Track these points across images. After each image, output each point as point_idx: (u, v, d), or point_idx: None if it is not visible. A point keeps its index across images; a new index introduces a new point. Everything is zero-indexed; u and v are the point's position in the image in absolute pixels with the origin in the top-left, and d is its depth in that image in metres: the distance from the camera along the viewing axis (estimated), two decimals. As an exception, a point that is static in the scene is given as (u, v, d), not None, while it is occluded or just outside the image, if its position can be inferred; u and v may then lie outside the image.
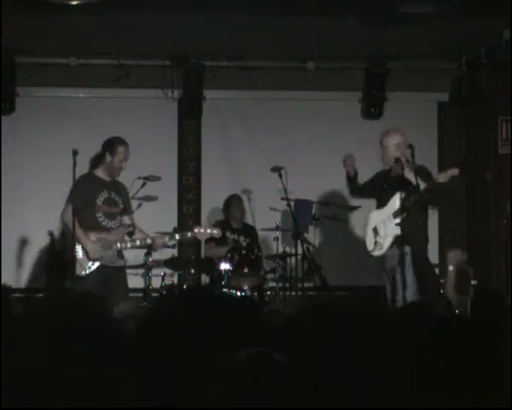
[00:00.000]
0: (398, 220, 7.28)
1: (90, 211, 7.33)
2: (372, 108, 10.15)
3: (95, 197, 7.34)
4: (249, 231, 9.36)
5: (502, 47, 8.85)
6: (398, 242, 7.27)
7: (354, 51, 9.64)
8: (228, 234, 9.25)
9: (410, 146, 7.33)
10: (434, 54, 9.63)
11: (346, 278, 9.68)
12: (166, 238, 7.58)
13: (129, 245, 7.41)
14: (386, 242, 7.43)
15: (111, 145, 7.44)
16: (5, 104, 9.55)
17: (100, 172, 7.45)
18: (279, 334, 2.83)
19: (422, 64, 9.96)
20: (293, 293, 9.09)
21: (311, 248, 8.89)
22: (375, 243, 7.48)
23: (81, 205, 7.30)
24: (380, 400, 2.62)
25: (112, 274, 7.34)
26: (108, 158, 7.41)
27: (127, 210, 7.51)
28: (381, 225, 7.48)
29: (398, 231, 7.27)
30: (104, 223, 7.37)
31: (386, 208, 7.47)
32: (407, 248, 7.25)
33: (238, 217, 9.40)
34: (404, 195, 7.31)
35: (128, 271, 8.43)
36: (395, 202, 7.39)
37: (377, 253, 7.48)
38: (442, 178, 7.44)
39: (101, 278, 7.22)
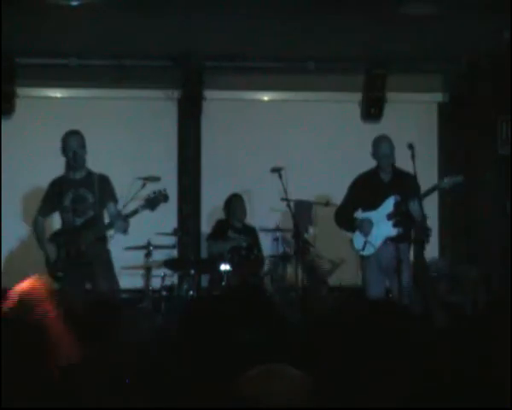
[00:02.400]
0: (392, 222, 7.50)
1: (59, 213, 7.42)
2: (372, 109, 10.15)
3: (61, 199, 7.40)
4: (249, 232, 9.36)
5: (502, 47, 8.85)
6: (393, 241, 7.44)
7: (354, 52, 9.64)
8: (230, 233, 9.25)
9: (410, 146, 7.38)
10: (434, 54, 9.62)
11: (345, 278, 9.68)
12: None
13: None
14: (378, 242, 7.54)
15: (61, 140, 7.50)
16: (5, 105, 9.55)
17: (68, 172, 7.50)
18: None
19: (422, 65, 9.96)
20: (293, 294, 9.09)
21: (310, 249, 8.89)
22: (365, 242, 7.59)
23: (49, 210, 7.46)
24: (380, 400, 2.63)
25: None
26: (64, 153, 7.45)
27: (100, 202, 7.47)
28: (373, 226, 7.59)
29: (390, 232, 7.51)
30: (73, 222, 7.40)
31: (378, 210, 7.59)
32: (402, 246, 7.41)
33: (239, 216, 9.38)
34: (399, 198, 7.46)
35: (128, 271, 8.44)
36: (389, 204, 7.51)
37: (367, 252, 7.61)
38: (444, 183, 7.55)
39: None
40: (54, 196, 7.44)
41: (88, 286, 7.26)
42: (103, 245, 7.48)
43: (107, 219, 7.53)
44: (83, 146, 7.46)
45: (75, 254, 7.32)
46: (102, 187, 7.50)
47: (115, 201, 7.53)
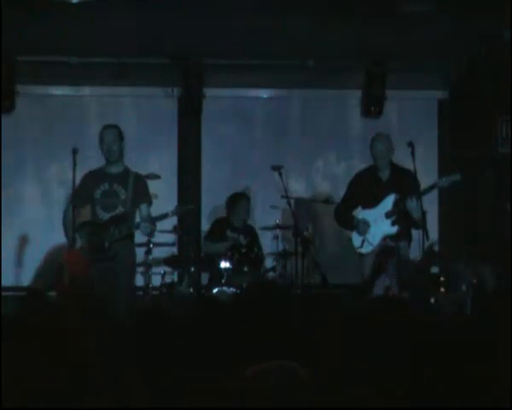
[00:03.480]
0: (390, 220, 7.54)
1: (89, 206, 7.36)
2: (372, 107, 10.14)
3: (93, 191, 7.35)
4: (249, 231, 9.34)
5: (502, 47, 8.86)
6: (392, 238, 7.48)
7: (354, 50, 9.63)
8: (228, 232, 9.24)
9: (410, 144, 7.40)
10: (434, 52, 9.62)
11: (345, 276, 9.68)
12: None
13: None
14: (376, 240, 7.57)
15: (99, 134, 7.50)
16: (5, 102, 9.54)
17: (105, 165, 7.46)
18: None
19: (422, 63, 9.95)
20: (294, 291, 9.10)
21: (310, 247, 8.89)
22: (363, 240, 7.62)
23: (81, 201, 7.36)
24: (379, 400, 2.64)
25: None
26: (100, 146, 7.43)
27: (134, 201, 7.38)
28: (371, 224, 7.60)
29: (389, 230, 7.55)
30: (101, 216, 7.32)
31: (377, 209, 7.61)
32: (401, 244, 7.50)
33: (243, 216, 9.32)
34: (397, 197, 7.48)
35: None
36: (388, 202, 7.54)
37: (365, 250, 7.64)
38: (443, 182, 7.61)
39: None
40: (87, 188, 7.37)
41: (105, 283, 7.17)
42: (130, 245, 7.39)
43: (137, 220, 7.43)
44: (118, 140, 7.41)
45: (97, 248, 7.22)
46: (137, 186, 7.43)
47: (149, 202, 7.47)
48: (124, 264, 7.29)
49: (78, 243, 7.24)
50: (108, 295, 6.90)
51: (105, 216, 7.33)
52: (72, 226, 7.24)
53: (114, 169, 7.43)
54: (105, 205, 7.35)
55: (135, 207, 7.40)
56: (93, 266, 7.16)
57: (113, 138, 7.40)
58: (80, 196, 7.37)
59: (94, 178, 7.42)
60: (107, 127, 7.51)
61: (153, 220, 7.32)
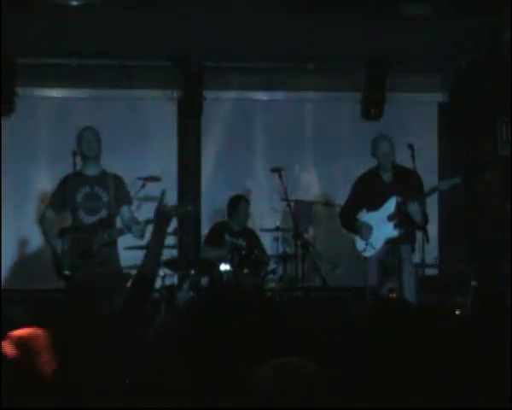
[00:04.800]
0: (393, 223, 7.53)
1: (70, 210, 7.27)
2: (372, 109, 10.14)
3: (74, 195, 7.23)
4: (249, 235, 9.31)
5: (501, 47, 8.86)
6: (394, 241, 7.47)
7: (354, 52, 9.63)
8: (226, 237, 9.21)
9: (410, 146, 7.40)
10: (434, 54, 9.62)
11: (345, 278, 9.68)
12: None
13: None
14: (379, 243, 7.57)
15: (76, 137, 7.43)
16: (5, 105, 9.53)
17: (82, 168, 7.35)
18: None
19: (422, 64, 9.95)
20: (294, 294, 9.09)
21: (310, 249, 8.88)
22: (367, 243, 7.61)
23: (61, 206, 7.28)
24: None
25: None
26: (78, 147, 7.35)
27: (115, 203, 7.30)
28: (373, 228, 7.58)
29: (391, 233, 7.54)
30: (85, 220, 7.22)
31: (379, 211, 7.59)
32: (404, 247, 7.45)
33: (243, 220, 9.27)
34: (399, 200, 7.46)
35: (127, 272, 8.41)
36: (390, 205, 7.52)
37: (368, 253, 7.62)
38: (443, 185, 7.61)
39: None
40: (66, 192, 7.24)
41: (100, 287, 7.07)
42: (114, 247, 7.32)
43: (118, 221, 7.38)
44: (97, 139, 7.36)
45: (87, 253, 7.13)
46: (117, 188, 7.34)
47: (130, 203, 7.40)
48: (114, 267, 7.24)
49: (61, 248, 7.11)
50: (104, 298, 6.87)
51: (89, 220, 7.21)
52: (51, 232, 7.21)
53: (92, 171, 7.33)
54: (88, 208, 7.23)
55: (117, 210, 7.32)
56: (82, 270, 7.09)
57: (92, 136, 7.35)
58: (60, 200, 7.27)
59: (73, 181, 7.25)
60: (85, 128, 7.45)
61: (145, 223, 7.26)
